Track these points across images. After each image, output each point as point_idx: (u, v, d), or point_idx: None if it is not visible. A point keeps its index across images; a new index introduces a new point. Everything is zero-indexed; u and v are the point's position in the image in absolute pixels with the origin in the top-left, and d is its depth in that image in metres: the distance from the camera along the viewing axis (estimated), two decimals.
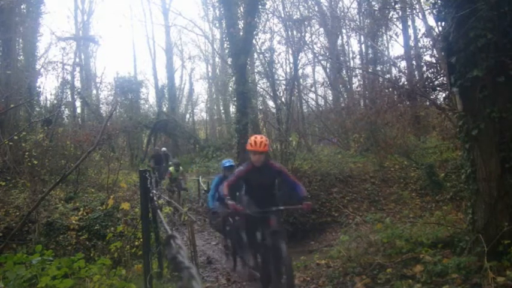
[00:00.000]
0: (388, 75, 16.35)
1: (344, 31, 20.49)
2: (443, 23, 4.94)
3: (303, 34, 17.14)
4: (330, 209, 11.88)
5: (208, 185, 12.67)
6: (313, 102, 23.51)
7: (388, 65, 18.49)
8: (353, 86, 19.02)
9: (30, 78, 14.41)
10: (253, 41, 13.76)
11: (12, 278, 2.91)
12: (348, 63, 21.07)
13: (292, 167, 12.49)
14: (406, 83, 10.62)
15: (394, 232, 5.46)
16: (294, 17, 17.66)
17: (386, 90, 11.71)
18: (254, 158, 4.28)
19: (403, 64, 13.96)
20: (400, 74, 12.05)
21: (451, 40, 4.49)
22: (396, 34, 16.72)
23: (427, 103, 10.95)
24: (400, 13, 13.75)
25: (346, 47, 22.27)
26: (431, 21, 12.51)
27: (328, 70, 21.01)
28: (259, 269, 4.80)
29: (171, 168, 11.27)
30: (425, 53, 11.33)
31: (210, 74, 34.91)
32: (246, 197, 4.60)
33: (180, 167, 11.82)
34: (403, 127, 12.20)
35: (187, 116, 35.89)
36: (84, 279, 3.70)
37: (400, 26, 15.99)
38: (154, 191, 4.43)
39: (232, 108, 23.16)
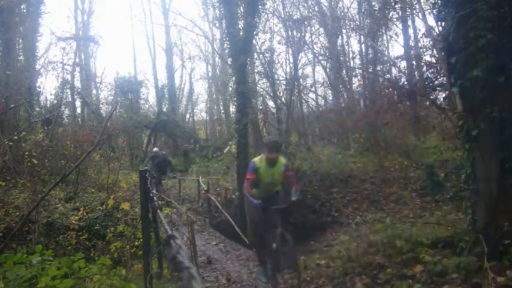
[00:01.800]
0: (388, 75, 16.35)
1: (344, 31, 20.49)
2: (443, 23, 4.94)
3: (303, 34, 17.15)
4: (330, 209, 11.88)
5: (208, 185, 12.67)
6: (313, 102, 23.53)
7: (388, 65, 18.48)
8: (353, 86, 19.03)
9: (30, 78, 14.40)
10: (253, 41, 13.75)
11: (12, 278, 2.91)
12: (348, 63, 21.06)
13: (292, 167, 12.50)
14: (406, 83, 10.65)
15: (394, 232, 5.46)
16: (294, 17, 17.67)
17: (386, 90, 11.73)
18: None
19: (403, 64, 13.99)
20: (400, 74, 12.08)
21: (451, 40, 4.50)
22: (396, 34, 16.73)
23: (427, 103, 10.96)
24: (400, 13, 13.75)
25: (346, 47, 22.27)
26: (431, 21, 12.54)
27: (328, 70, 21.01)
28: None
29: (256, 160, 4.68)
30: (425, 53, 11.35)
31: (210, 74, 34.94)
32: None
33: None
34: (403, 127, 12.22)
35: (187, 116, 35.95)
36: (84, 279, 3.70)
37: (400, 26, 15.99)
38: (154, 191, 4.41)
39: (232, 108, 23.15)
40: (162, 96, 30.21)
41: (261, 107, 20.54)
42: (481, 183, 4.34)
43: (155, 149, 15.29)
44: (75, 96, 22.58)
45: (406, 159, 13.15)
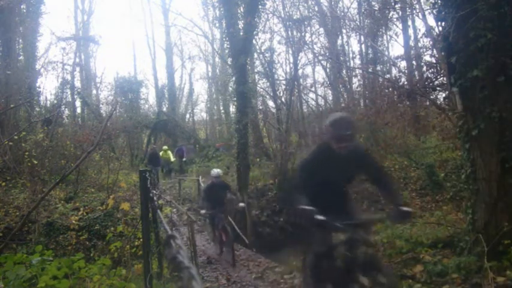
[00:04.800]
0: (388, 75, 16.34)
1: (344, 31, 20.47)
2: (443, 23, 4.94)
3: (303, 34, 17.16)
4: None
5: None
6: (313, 102, 23.51)
7: (388, 65, 18.47)
8: (353, 86, 19.00)
9: (30, 78, 14.39)
10: (253, 41, 13.75)
11: (12, 278, 2.91)
12: (348, 63, 21.04)
13: (292, 167, 12.49)
14: (406, 83, 10.64)
15: (394, 232, 5.46)
16: (294, 17, 17.67)
17: (386, 90, 11.72)
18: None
19: (403, 64, 14.00)
20: (400, 74, 12.07)
21: (451, 40, 4.49)
22: (396, 34, 16.74)
23: (427, 103, 10.96)
24: (400, 13, 13.76)
25: (346, 47, 22.23)
26: (431, 21, 12.52)
27: (328, 70, 21.00)
28: None
29: None
30: (425, 53, 11.35)
31: (210, 74, 34.92)
32: None
33: None
34: (403, 127, 12.20)
35: (187, 116, 35.91)
36: (84, 279, 3.69)
37: (400, 26, 15.98)
38: (155, 191, 4.40)
39: (232, 108, 23.13)
40: (162, 96, 30.19)
41: (261, 107, 20.50)
42: (481, 183, 4.34)
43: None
44: (75, 96, 22.55)
45: (406, 159, 13.14)
